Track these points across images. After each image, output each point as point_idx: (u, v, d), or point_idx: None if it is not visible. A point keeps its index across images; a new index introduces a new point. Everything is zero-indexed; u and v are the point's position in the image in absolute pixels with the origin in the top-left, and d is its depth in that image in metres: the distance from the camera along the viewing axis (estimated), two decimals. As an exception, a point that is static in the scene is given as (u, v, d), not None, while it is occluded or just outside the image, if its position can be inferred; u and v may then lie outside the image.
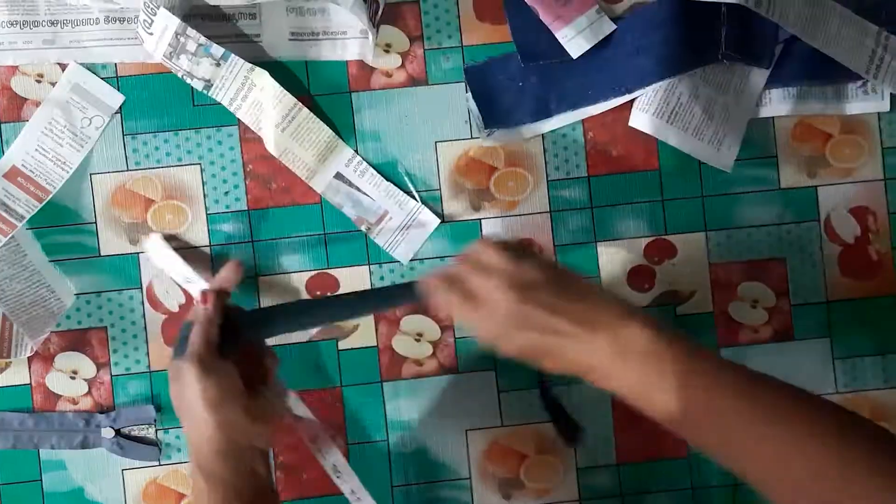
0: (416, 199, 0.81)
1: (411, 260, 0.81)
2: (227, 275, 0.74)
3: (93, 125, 0.80)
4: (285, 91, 0.77)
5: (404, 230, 0.81)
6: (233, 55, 0.76)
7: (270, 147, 0.79)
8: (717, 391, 0.59)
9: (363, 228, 0.81)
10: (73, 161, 0.80)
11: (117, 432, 0.80)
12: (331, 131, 0.80)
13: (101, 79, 0.80)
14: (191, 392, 0.66)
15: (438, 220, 0.81)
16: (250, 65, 0.77)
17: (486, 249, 0.65)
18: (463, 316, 0.65)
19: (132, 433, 0.81)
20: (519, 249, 0.65)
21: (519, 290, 0.62)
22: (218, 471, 0.66)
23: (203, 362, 0.67)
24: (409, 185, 0.81)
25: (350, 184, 0.81)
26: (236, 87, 0.77)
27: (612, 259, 0.82)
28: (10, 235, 0.77)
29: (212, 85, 0.77)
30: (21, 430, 0.80)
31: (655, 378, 0.59)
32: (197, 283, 0.78)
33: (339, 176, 0.81)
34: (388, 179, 0.81)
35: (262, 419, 0.68)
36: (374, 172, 0.81)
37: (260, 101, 0.78)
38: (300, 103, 0.78)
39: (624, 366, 0.60)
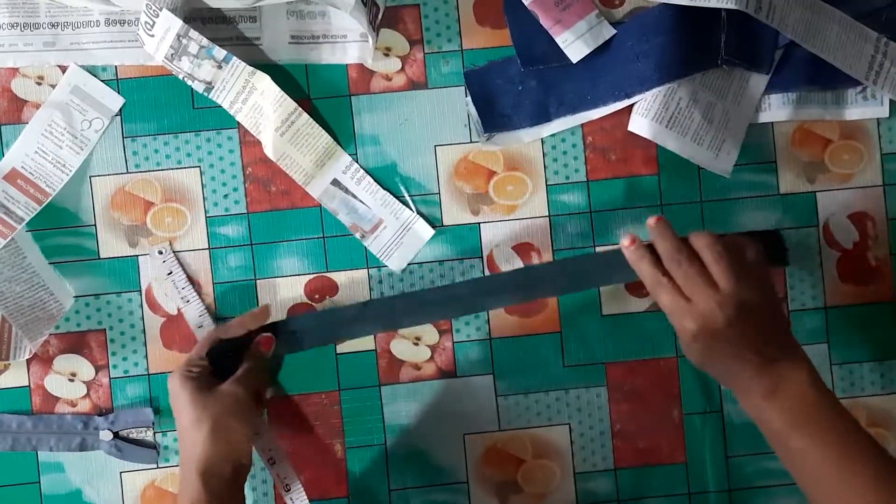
0: (411, 209, 0.81)
1: (403, 270, 0.81)
2: (261, 316, 0.78)
3: (92, 127, 0.80)
4: (286, 95, 0.77)
5: (398, 240, 0.81)
6: (235, 58, 0.76)
7: (269, 151, 0.78)
8: (849, 461, 0.64)
9: (357, 236, 0.81)
10: (72, 163, 0.80)
11: (115, 435, 0.80)
12: (329, 137, 0.80)
13: (101, 81, 0.80)
14: (227, 410, 0.71)
15: (433, 231, 0.81)
16: (252, 68, 0.76)
17: (721, 261, 0.67)
18: (667, 305, 0.69)
19: (130, 436, 0.81)
20: (746, 265, 0.68)
21: (733, 312, 0.66)
22: (219, 487, 0.70)
23: (255, 395, 0.75)
24: (405, 194, 0.81)
25: (346, 191, 0.81)
26: (237, 89, 0.77)
27: (611, 264, 0.82)
28: (10, 238, 0.77)
29: (213, 87, 0.77)
30: (19, 432, 0.80)
31: (795, 424, 0.65)
32: (194, 305, 0.80)
33: (335, 182, 0.81)
34: (385, 187, 0.81)
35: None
36: (371, 180, 0.81)
37: (260, 105, 0.78)
38: (300, 108, 0.78)
39: (773, 403, 0.66)
